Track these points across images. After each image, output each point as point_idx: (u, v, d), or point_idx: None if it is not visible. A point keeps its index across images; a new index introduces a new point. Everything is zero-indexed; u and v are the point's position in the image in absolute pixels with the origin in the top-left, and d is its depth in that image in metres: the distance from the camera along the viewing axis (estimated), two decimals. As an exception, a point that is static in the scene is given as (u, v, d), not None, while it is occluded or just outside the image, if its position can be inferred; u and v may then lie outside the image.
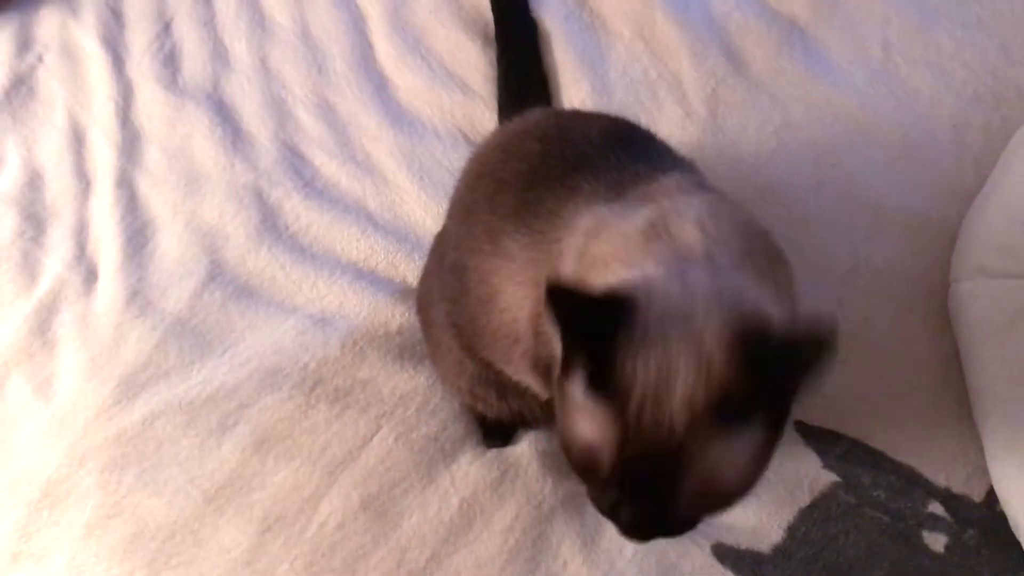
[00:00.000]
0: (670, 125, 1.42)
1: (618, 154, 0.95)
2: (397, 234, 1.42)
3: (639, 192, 0.89)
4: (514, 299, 0.99)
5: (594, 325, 0.67)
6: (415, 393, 1.29)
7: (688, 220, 0.79)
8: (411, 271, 1.37)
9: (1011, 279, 1.16)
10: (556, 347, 0.73)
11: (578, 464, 0.73)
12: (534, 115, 1.12)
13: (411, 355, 1.32)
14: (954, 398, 1.19)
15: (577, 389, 0.70)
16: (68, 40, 1.72)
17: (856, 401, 1.21)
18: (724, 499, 0.70)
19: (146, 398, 1.33)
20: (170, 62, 1.66)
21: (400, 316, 1.34)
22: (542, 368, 1.02)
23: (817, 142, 1.39)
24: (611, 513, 0.74)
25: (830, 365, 0.63)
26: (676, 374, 0.66)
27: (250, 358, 1.34)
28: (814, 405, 1.21)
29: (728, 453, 0.66)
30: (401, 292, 1.36)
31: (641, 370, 0.66)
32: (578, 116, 1.19)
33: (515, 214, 0.96)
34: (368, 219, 1.45)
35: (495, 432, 1.27)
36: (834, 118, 1.40)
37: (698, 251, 0.75)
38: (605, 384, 0.67)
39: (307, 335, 1.34)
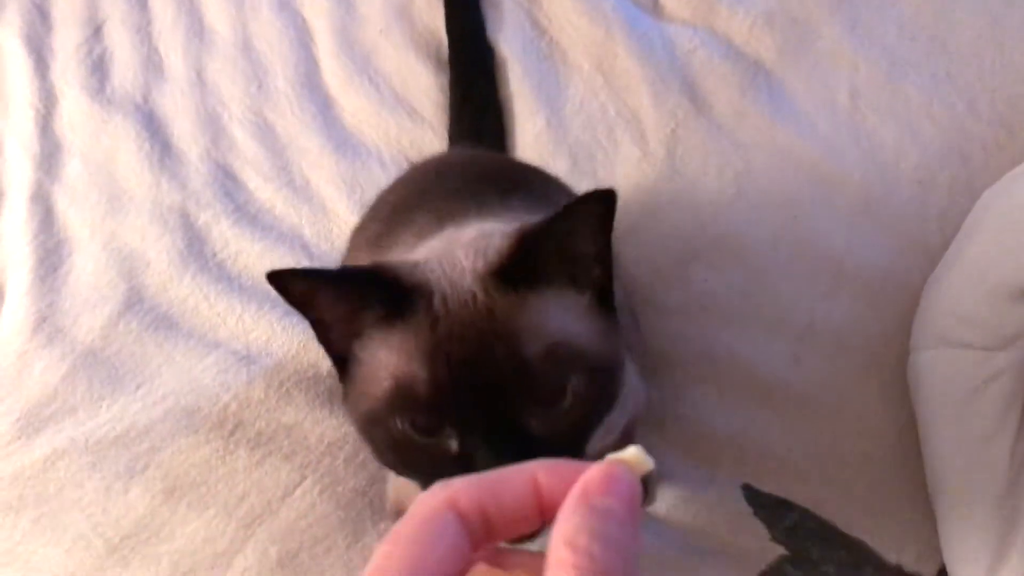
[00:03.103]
0: (626, 165, 1.35)
1: (464, 193, 0.92)
2: (334, 265, 1.34)
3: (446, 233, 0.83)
4: None
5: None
6: (344, 442, 1.21)
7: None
8: (347, 307, 1.29)
9: (971, 350, 1.11)
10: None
11: (390, 407, 0.64)
12: (446, 153, 1.21)
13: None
14: (909, 471, 1.14)
15: (372, 339, 0.66)
16: (-12, 39, 1.61)
17: (808, 466, 1.17)
18: (571, 352, 0.64)
19: (49, 435, 1.23)
20: (98, 69, 1.55)
21: (332, 356, 1.26)
22: None
23: (778, 192, 1.33)
24: (460, 449, 0.63)
25: (611, 206, 0.63)
26: (460, 263, 0.66)
27: (165, 396, 1.25)
28: (765, 469, 1.16)
29: (540, 310, 0.64)
30: (335, 329, 1.28)
31: (431, 275, 0.66)
32: (474, 158, 1.18)
33: (368, 245, 0.97)
34: (303, 248, 1.37)
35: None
36: (796, 167, 1.34)
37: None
38: (401, 308, 0.64)
39: (229, 373, 1.25)
